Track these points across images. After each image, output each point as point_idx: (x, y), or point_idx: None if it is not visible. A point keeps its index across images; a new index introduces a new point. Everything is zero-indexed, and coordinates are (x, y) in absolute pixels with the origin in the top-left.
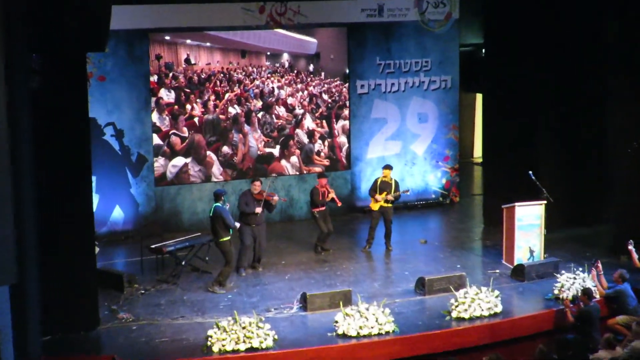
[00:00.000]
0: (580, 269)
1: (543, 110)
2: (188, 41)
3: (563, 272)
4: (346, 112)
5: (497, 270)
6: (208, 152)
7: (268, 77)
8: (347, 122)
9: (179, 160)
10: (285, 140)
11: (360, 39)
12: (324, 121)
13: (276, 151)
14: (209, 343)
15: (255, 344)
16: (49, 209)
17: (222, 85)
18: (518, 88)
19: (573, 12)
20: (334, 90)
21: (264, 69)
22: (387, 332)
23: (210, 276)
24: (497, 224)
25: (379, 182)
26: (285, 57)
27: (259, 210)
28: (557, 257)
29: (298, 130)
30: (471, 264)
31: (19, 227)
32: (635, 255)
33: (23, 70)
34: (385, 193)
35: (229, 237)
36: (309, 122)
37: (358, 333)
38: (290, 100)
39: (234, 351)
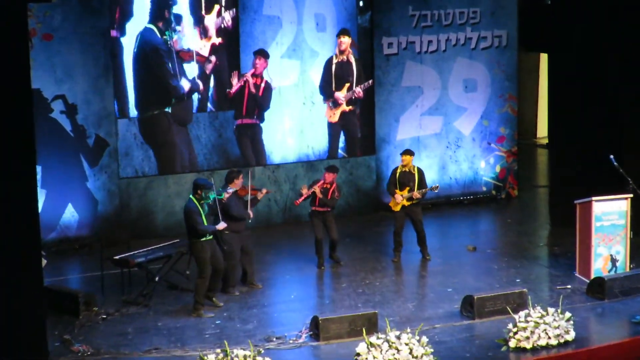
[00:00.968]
0: None
1: (629, 76)
2: None
3: None
4: None
5: (569, 286)
6: None
7: None
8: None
9: None
10: None
11: None
12: None
13: None
14: None
15: None
16: None
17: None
18: (597, 47)
19: None
20: None
21: None
22: None
23: (191, 296)
24: (568, 225)
25: (398, 174)
26: None
27: (251, 214)
28: None
29: None
30: (534, 278)
31: None
32: None
33: None
34: (407, 189)
35: (204, 238)
36: None
37: None
38: None
39: None
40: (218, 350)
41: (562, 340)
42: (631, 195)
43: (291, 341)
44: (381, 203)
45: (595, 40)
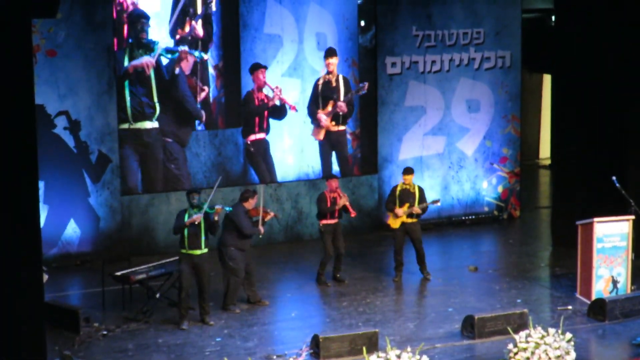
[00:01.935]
0: None
1: (632, 96)
2: None
3: None
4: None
5: (570, 307)
6: None
7: None
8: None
9: None
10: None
11: (391, 3)
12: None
13: None
14: None
15: None
16: None
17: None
18: (600, 68)
19: None
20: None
21: None
22: None
23: (192, 313)
24: (569, 246)
25: (398, 191)
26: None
27: (262, 230)
28: None
29: None
30: (536, 299)
31: None
32: None
33: None
34: (407, 205)
35: (182, 251)
36: None
37: None
38: None
39: None
40: None
41: None
42: (633, 217)
43: (291, 359)
44: (383, 222)
45: (599, 61)
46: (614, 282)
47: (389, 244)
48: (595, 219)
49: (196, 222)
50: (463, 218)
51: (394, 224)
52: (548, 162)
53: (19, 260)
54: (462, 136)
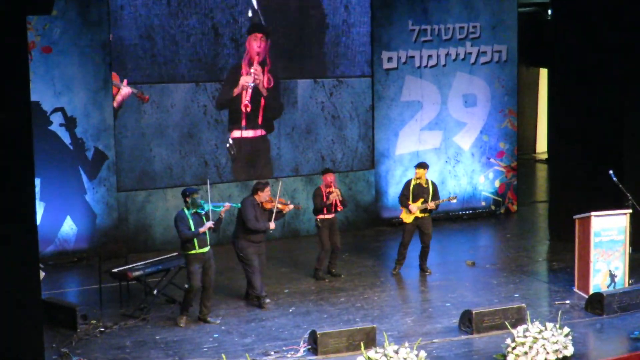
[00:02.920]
0: None
1: (630, 90)
2: None
3: None
4: None
5: (568, 301)
6: None
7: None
8: None
9: None
10: None
11: None
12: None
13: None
14: None
15: None
16: None
17: None
18: (596, 61)
19: None
20: None
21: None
22: None
23: (189, 310)
24: (567, 240)
25: (412, 186)
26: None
27: (272, 226)
28: None
29: None
30: (533, 293)
31: None
32: None
33: None
34: (421, 200)
35: (192, 251)
36: None
37: None
38: None
39: None
40: None
41: (560, 356)
42: (630, 211)
43: (289, 355)
44: (380, 218)
45: (595, 55)
46: (612, 276)
47: (387, 239)
48: (593, 213)
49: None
50: (460, 213)
51: (407, 218)
52: (545, 156)
53: (16, 257)
54: (458, 131)
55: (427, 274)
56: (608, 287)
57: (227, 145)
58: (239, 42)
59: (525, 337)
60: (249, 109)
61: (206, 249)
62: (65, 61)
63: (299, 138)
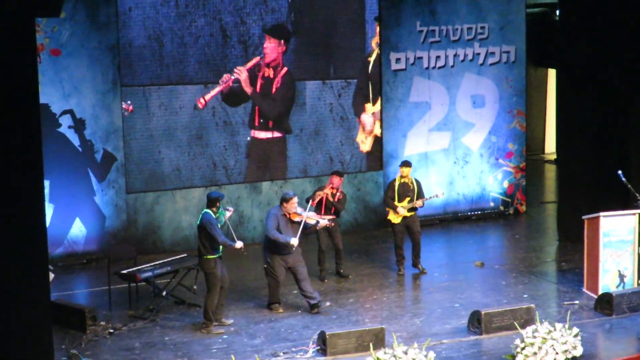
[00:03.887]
0: None
1: (637, 90)
2: None
3: None
4: None
5: (577, 302)
6: None
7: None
8: None
9: None
10: None
11: None
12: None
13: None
14: None
15: None
16: None
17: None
18: (605, 62)
19: None
20: None
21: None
22: None
23: (198, 311)
24: (576, 241)
25: (397, 186)
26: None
27: (295, 242)
28: None
29: None
30: (542, 294)
31: None
32: None
33: None
34: (407, 200)
35: (216, 255)
36: None
37: None
38: None
39: None
40: None
41: (569, 356)
42: (639, 211)
43: (298, 356)
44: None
45: (604, 55)
46: (621, 277)
47: (390, 242)
48: (602, 214)
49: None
50: (469, 213)
51: (395, 219)
52: (554, 156)
53: (25, 259)
54: (467, 131)
55: (424, 272)
56: (617, 287)
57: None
58: (248, 44)
59: (534, 337)
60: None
61: (220, 252)
62: (74, 63)
63: (308, 139)
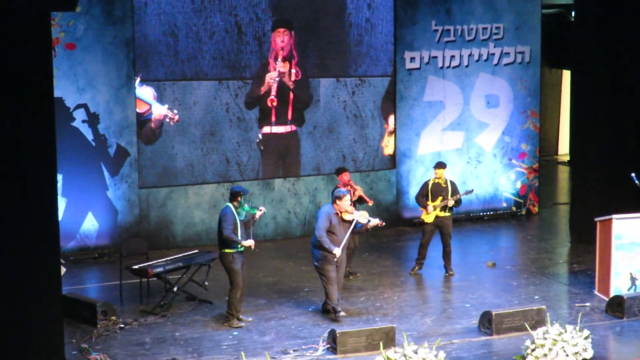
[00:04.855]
0: None
1: None
2: None
3: None
4: None
5: (588, 304)
6: None
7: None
8: None
9: None
10: None
11: None
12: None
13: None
14: None
15: None
16: None
17: None
18: (619, 63)
19: None
20: None
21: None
22: None
23: (209, 307)
24: (588, 243)
25: (430, 186)
26: None
27: (338, 253)
28: None
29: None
30: (553, 295)
31: None
32: None
33: None
34: (440, 199)
35: (235, 250)
36: None
37: None
38: None
39: None
40: None
41: (580, 358)
42: None
43: (308, 354)
44: (401, 217)
45: (618, 56)
46: (633, 279)
47: (407, 238)
48: (614, 216)
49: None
50: (481, 214)
51: (428, 218)
52: (567, 158)
53: (38, 253)
54: (480, 131)
55: (451, 274)
56: (629, 290)
57: (257, 140)
58: (262, 40)
59: (544, 339)
60: (275, 104)
61: (242, 248)
62: (89, 58)
63: (321, 137)
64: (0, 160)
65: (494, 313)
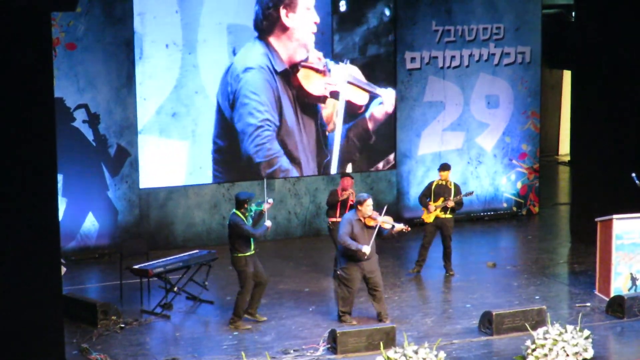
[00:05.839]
0: None
1: None
2: None
3: None
4: None
5: (588, 304)
6: None
7: None
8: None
9: None
10: None
11: None
12: None
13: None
14: None
15: None
16: None
17: None
18: (620, 63)
19: None
20: None
21: None
22: None
23: (210, 307)
24: (588, 243)
25: (433, 187)
26: None
27: (367, 250)
28: None
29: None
30: (554, 295)
31: None
32: None
33: None
34: (441, 199)
35: (248, 253)
36: None
37: None
38: None
39: None
40: None
41: (580, 358)
42: None
43: (308, 354)
44: (401, 218)
45: (619, 57)
46: (633, 279)
47: (408, 239)
48: (615, 216)
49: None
50: (481, 214)
51: (428, 218)
52: (567, 158)
53: (38, 253)
54: (481, 132)
55: (452, 275)
56: (629, 290)
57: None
58: None
59: (545, 339)
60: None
61: (254, 251)
62: (89, 58)
63: (321, 137)
64: (0, 160)
65: (494, 313)
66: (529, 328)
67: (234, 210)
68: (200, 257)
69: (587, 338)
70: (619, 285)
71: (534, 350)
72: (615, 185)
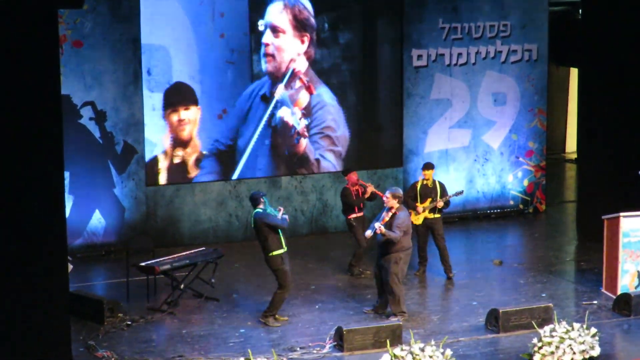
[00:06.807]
0: None
1: None
2: None
3: None
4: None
5: (595, 302)
6: None
7: None
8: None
9: None
10: None
11: None
12: None
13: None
14: None
15: None
16: (5, 215)
17: None
18: (627, 61)
19: None
20: None
21: None
22: None
23: (216, 305)
24: (595, 241)
25: (418, 187)
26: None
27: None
28: None
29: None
30: (561, 293)
31: None
32: None
33: None
34: (429, 200)
35: (281, 251)
36: None
37: None
38: None
39: None
40: (242, 359)
41: (587, 356)
42: None
43: (315, 351)
44: None
45: (626, 54)
46: None
47: (414, 237)
48: (622, 214)
49: None
50: (488, 212)
51: (416, 220)
52: (574, 156)
53: (45, 250)
54: (488, 129)
55: (452, 276)
56: (636, 288)
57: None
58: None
59: (552, 337)
60: None
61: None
62: (96, 55)
63: (327, 135)
64: (7, 157)
65: (501, 311)
66: (535, 326)
67: (255, 210)
68: (206, 254)
69: (593, 336)
70: (626, 283)
71: (540, 348)
72: (622, 183)
